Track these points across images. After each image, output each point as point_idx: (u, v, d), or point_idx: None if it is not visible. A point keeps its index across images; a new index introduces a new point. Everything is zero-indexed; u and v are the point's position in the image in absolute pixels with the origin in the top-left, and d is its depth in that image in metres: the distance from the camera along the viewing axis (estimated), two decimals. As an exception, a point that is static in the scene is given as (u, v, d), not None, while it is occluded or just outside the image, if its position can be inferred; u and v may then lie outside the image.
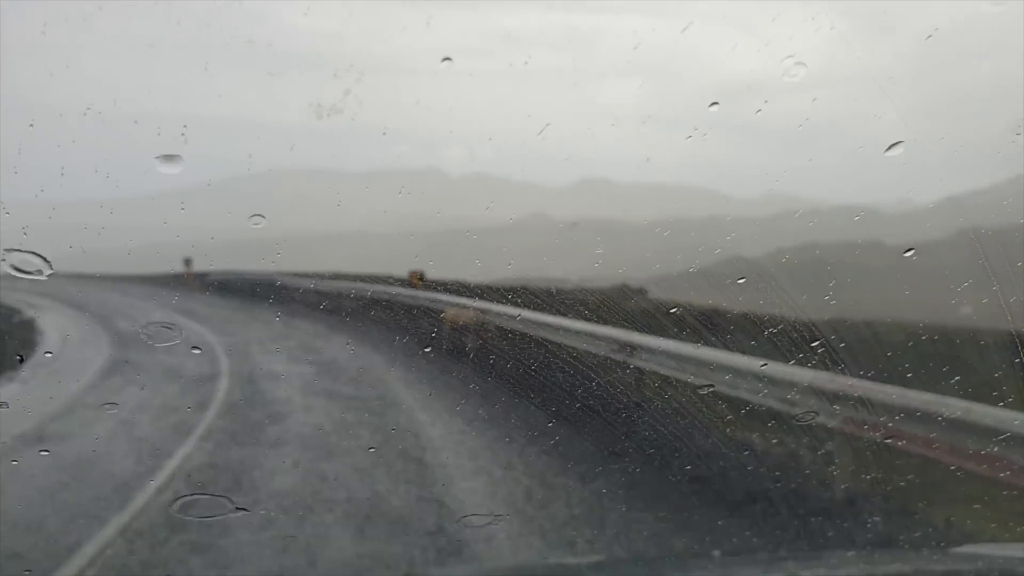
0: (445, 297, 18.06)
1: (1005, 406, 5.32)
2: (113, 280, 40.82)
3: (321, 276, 33.90)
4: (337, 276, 35.63)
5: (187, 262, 37.06)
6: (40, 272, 4.17)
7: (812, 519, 5.82)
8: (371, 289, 23.16)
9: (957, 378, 5.71)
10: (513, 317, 11.79)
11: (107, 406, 10.25)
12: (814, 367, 6.31)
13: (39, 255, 4.18)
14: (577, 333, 10.55)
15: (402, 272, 21.52)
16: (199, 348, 15.53)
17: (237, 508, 6.10)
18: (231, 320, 23.56)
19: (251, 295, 31.92)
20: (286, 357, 15.23)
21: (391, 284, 24.16)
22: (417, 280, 20.29)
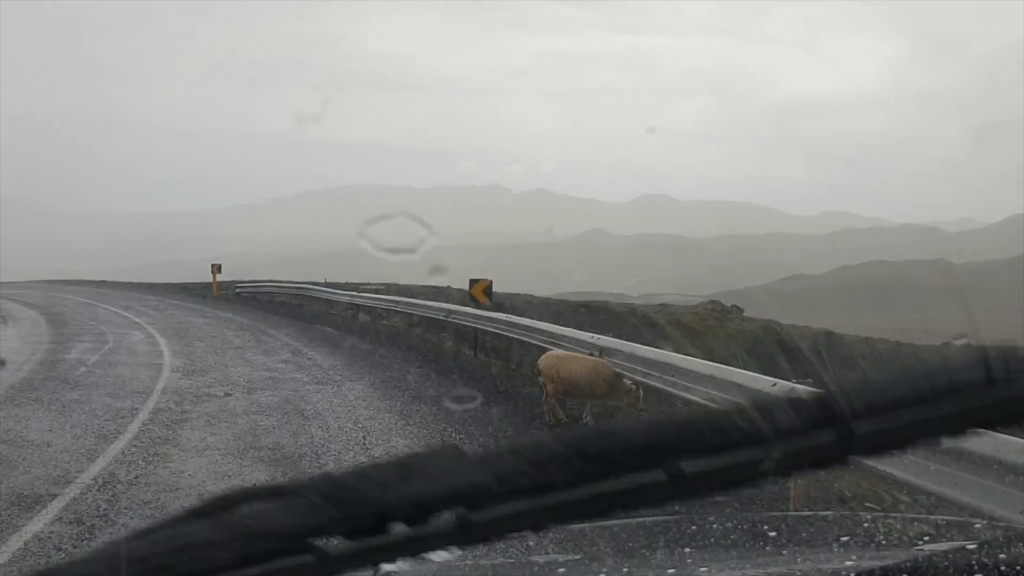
0: (520, 320, 14.50)
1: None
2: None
3: (359, 287, 31.02)
4: (390, 288, 33.48)
5: (215, 268, 36.54)
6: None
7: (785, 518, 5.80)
8: (426, 305, 19.85)
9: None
10: (653, 364, 8.51)
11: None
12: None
13: None
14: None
15: (463, 283, 18.20)
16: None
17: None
18: (209, 338, 19.03)
19: (274, 309, 29.25)
20: (249, 443, 8.78)
21: (451, 300, 20.99)
22: (481, 293, 17.13)
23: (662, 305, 42.61)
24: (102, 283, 48.69)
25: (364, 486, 0.93)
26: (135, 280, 51.56)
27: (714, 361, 8.48)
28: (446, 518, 0.93)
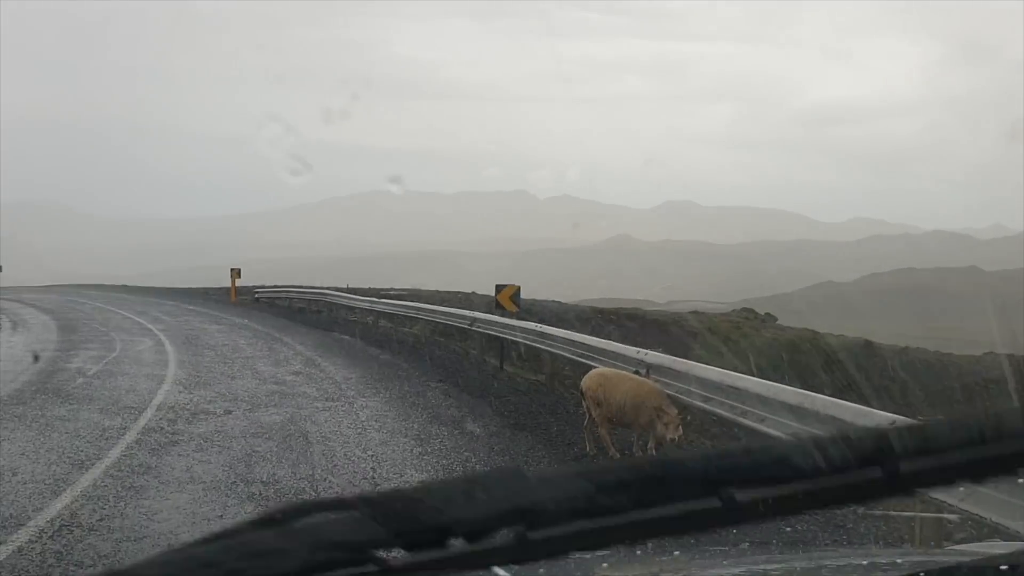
0: (551, 331, 12.94)
1: None
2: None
3: (381, 292, 30.20)
4: (413, 293, 32.82)
5: (234, 272, 36.16)
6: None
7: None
8: (449, 313, 18.68)
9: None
10: (716, 388, 7.25)
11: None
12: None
13: None
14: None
15: (488, 289, 16.82)
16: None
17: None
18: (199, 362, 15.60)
19: (292, 315, 27.69)
20: (240, 474, 7.48)
21: (476, 307, 20.11)
22: (507, 300, 15.89)
23: (694, 312, 41.36)
24: (123, 287, 48.54)
25: (428, 502, 0.98)
26: (164, 285, 51.39)
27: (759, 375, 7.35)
28: (504, 535, 0.98)
